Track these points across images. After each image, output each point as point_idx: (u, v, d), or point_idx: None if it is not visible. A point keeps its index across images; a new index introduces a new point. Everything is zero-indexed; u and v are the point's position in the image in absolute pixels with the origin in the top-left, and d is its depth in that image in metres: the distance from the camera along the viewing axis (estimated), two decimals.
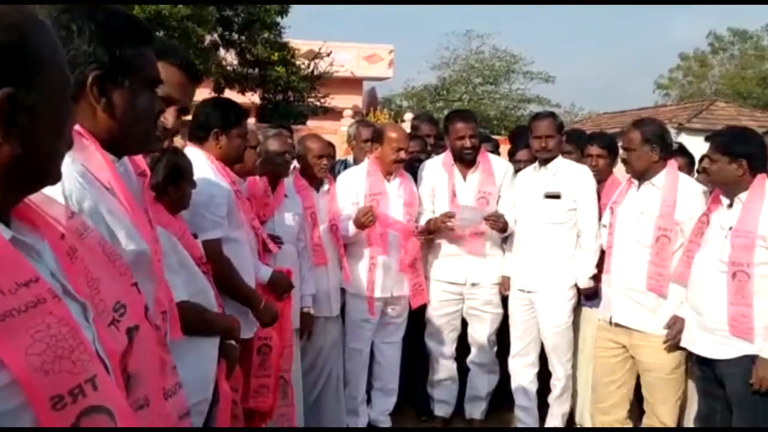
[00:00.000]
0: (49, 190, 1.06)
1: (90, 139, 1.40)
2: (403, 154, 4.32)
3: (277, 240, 3.68)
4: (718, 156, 3.36)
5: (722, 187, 3.43)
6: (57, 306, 0.88)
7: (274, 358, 3.17)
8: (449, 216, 4.32)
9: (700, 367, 3.56)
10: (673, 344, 3.68)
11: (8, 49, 0.87)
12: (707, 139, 3.55)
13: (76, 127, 1.36)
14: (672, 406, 3.83)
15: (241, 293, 3.02)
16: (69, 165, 1.30)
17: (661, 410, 3.85)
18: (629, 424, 4.02)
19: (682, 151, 4.66)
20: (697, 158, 4.61)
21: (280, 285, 3.38)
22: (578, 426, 4.48)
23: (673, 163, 3.87)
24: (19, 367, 0.81)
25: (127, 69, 1.42)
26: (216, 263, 2.83)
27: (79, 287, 1.01)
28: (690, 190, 3.81)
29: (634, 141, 3.82)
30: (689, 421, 3.89)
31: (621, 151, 4.03)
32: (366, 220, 4.14)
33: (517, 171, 4.66)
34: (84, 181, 1.32)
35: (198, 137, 3.10)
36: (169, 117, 1.77)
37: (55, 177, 1.00)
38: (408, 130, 5.40)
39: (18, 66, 0.88)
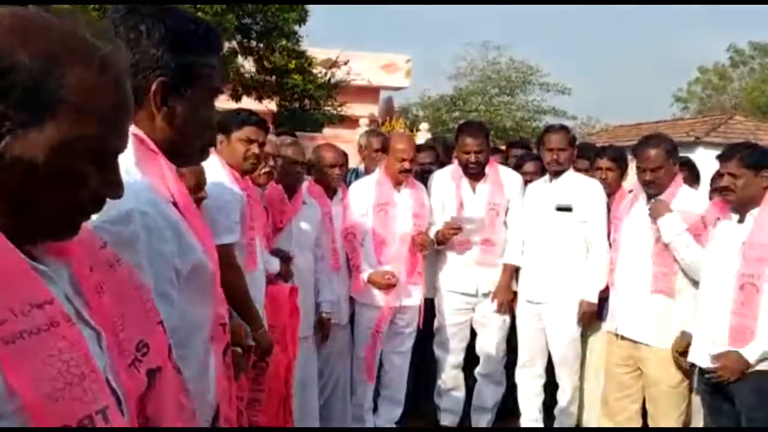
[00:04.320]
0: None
1: (155, 149, 1.33)
2: (407, 165, 4.29)
3: (283, 254, 3.71)
4: (743, 171, 3.32)
5: (741, 203, 3.40)
6: (70, 330, 0.84)
7: (271, 375, 3.14)
8: (455, 227, 4.34)
9: (707, 382, 3.55)
10: (685, 359, 3.66)
11: (6, 71, 0.80)
12: (721, 156, 3.50)
13: (140, 133, 1.30)
14: (675, 420, 3.83)
15: (246, 310, 3.01)
16: (138, 179, 1.25)
17: (664, 424, 3.85)
18: None
19: (687, 164, 4.69)
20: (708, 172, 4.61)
21: (263, 344, 3.09)
22: None
23: (678, 177, 3.93)
24: (28, 393, 0.76)
25: (193, 78, 1.34)
26: (228, 269, 2.86)
27: (101, 321, 0.95)
28: (692, 202, 3.82)
29: (659, 158, 3.81)
30: None
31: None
32: (384, 285, 4.26)
33: (524, 183, 4.67)
34: (149, 191, 1.26)
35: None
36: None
37: (69, 233, 0.92)
38: (424, 141, 5.45)
39: (29, 104, 0.81)
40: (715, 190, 4.02)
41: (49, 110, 0.83)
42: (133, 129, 1.24)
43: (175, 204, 1.35)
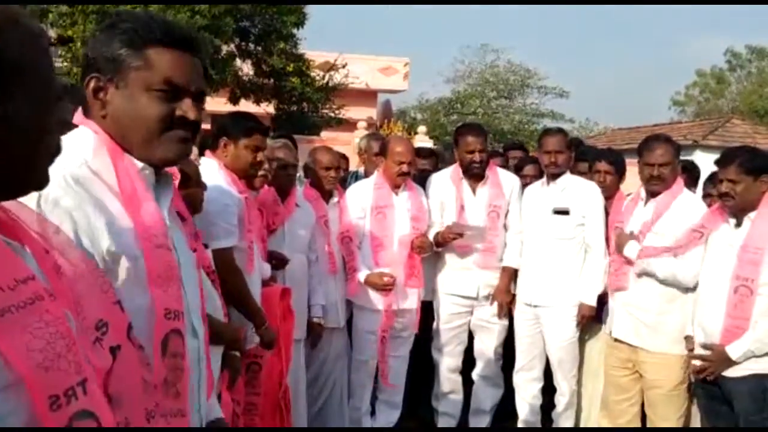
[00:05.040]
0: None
1: (108, 142, 1.38)
2: (405, 168, 4.26)
3: (279, 257, 3.71)
4: (742, 176, 3.32)
5: (740, 208, 3.40)
6: (53, 304, 0.88)
7: (264, 377, 3.14)
8: (456, 233, 4.33)
9: (704, 385, 3.56)
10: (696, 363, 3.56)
11: None
12: (719, 162, 3.49)
13: (97, 128, 1.38)
14: (674, 423, 3.83)
15: (248, 308, 3.04)
16: (66, 167, 1.29)
17: (663, 427, 3.85)
18: None
19: (686, 168, 4.70)
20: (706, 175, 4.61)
21: (266, 338, 3.14)
22: None
23: (680, 180, 3.93)
24: (22, 364, 0.80)
25: (121, 70, 1.38)
26: (227, 273, 2.86)
27: (63, 300, 0.97)
28: (686, 206, 3.82)
29: (668, 154, 3.83)
30: None
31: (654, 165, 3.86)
32: (380, 286, 4.25)
33: (523, 186, 4.68)
34: (72, 182, 1.30)
35: (213, 145, 3.18)
36: (186, 109, 1.42)
37: (36, 184, 0.97)
38: (423, 144, 5.47)
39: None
40: (709, 194, 4.01)
41: (16, 73, 0.87)
42: (92, 125, 1.39)
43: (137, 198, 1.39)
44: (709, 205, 3.87)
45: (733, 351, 3.29)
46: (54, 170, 1.00)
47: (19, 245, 0.93)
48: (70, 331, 0.89)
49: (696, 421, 3.79)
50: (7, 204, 0.97)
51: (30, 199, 1.13)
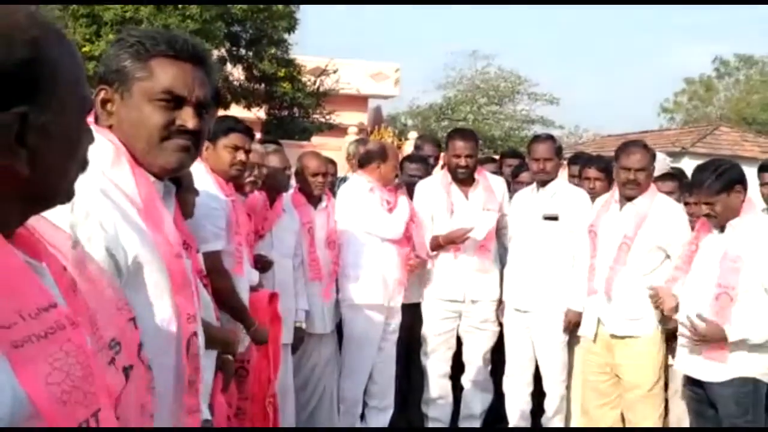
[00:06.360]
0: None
1: (124, 153, 1.42)
2: (398, 170, 4.47)
3: (264, 260, 3.72)
4: (715, 197, 3.36)
5: (725, 221, 3.42)
6: (74, 332, 0.85)
7: (252, 382, 3.14)
8: (467, 232, 4.33)
9: (692, 389, 3.59)
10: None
11: (23, 66, 0.82)
12: (690, 186, 3.57)
13: (114, 139, 1.42)
14: (655, 423, 3.88)
15: (238, 311, 3.04)
16: (92, 178, 1.29)
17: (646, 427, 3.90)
18: None
19: (672, 175, 4.75)
20: None
21: (257, 339, 3.18)
22: None
23: (653, 187, 3.98)
24: (41, 399, 0.78)
25: (126, 82, 1.42)
26: (217, 276, 2.86)
27: (83, 325, 0.95)
28: (666, 210, 3.87)
29: (644, 160, 3.87)
30: None
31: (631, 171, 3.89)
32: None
33: (516, 192, 4.70)
34: (100, 192, 1.33)
35: None
36: (185, 117, 1.44)
37: (66, 196, 0.97)
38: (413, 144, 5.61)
39: (32, 84, 0.84)
40: (692, 213, 4.04)
41: (51, 91, 0.87)
42: (108, 134, 1.41)
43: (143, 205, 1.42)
44: (693, 213, 3.93)
45: (732, 331, 3.27)
46: (80, 180, 1.00)
47: (37, 263, 0.92)
48: (90, 359, 0.87)
49: (686, 422, 3.82)
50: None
51: (64, 209, 1.12)
